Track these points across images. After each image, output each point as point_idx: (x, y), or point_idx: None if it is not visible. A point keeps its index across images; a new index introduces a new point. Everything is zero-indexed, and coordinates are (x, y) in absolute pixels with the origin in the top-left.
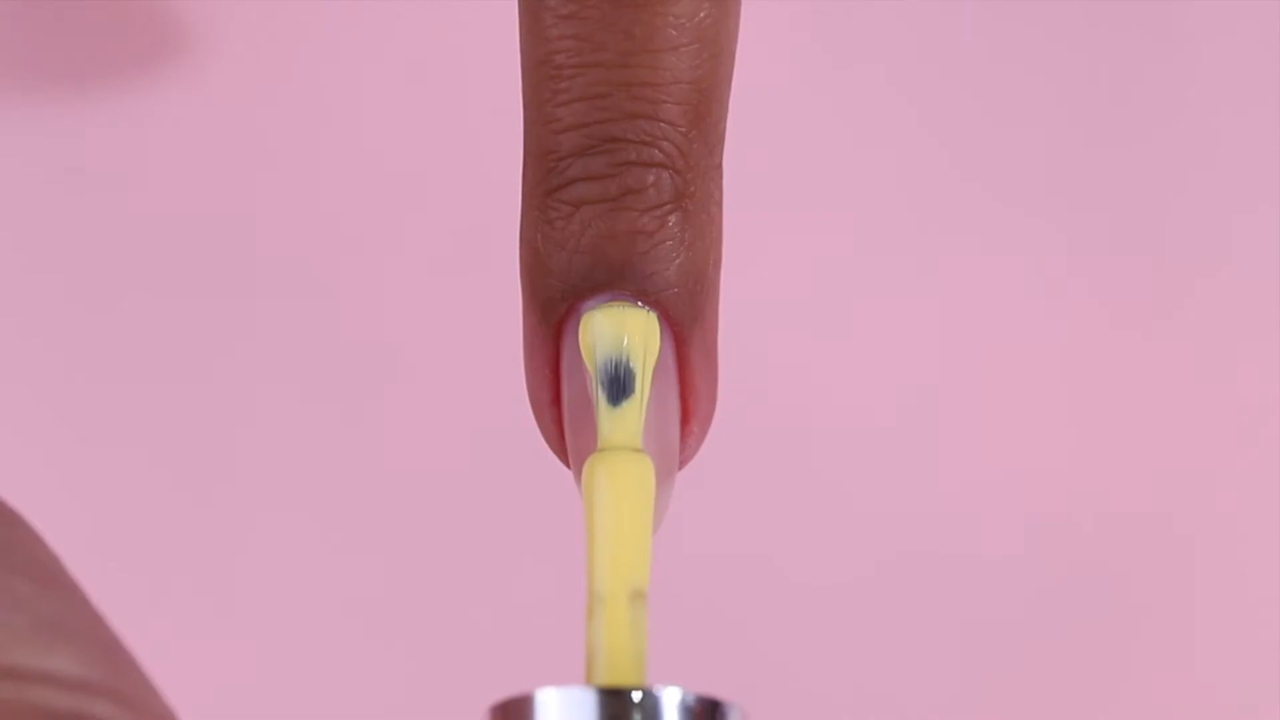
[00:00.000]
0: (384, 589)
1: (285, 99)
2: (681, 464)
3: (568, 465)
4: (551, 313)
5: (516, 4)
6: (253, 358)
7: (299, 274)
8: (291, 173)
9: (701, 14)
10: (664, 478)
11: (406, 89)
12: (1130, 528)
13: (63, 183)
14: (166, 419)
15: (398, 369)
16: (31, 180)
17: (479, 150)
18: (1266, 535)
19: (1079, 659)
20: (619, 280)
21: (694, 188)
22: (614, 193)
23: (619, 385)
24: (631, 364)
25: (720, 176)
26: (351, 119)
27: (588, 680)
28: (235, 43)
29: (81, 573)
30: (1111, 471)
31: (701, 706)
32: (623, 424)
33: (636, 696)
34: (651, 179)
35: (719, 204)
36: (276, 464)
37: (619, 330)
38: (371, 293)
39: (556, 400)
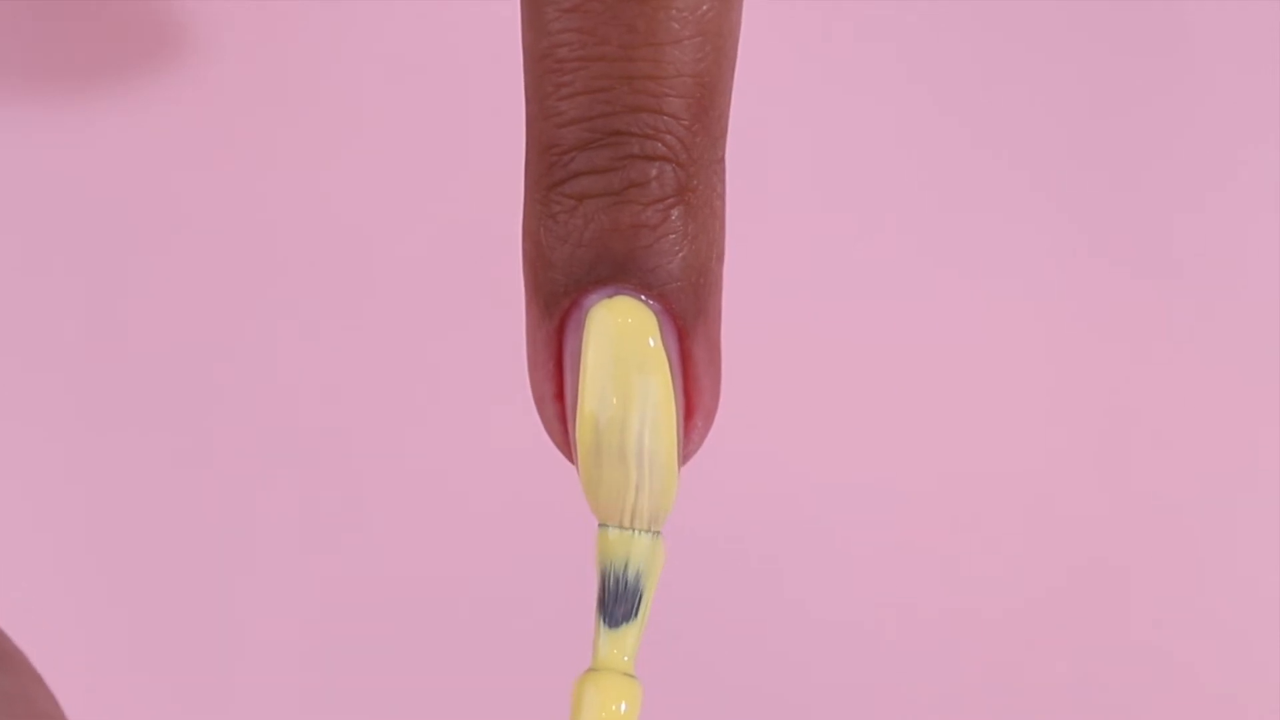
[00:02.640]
0: (384, 585)
1: (286, 100)
2: (685, 458)
3: (571, 460)
4: (555, 307)
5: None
6: (255, 357)
7: (298, 274)
8: (292, 172)
9: (704, 7)
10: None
11: (407, 87)
12: (1136, 520)
13: (65, 183)
14: (166, 414)
15: (397, 368)
16: (33, 180)
17: (481, 146)
18: (1266, 533)
19: (1077, 659)
20: (622, 274)
21: (697, 181)
22: (617, 186)
23: (621, 605)
24: (638, 583)
25: (723, 170)
26: (352, 118)
27: None
28: (236, 44)
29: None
30: (1116, 467)
31: None
32: (619, 647)
33: None
34: (655, 172)
35: (721, 197)
36: (276, 463)
37: (625, 547)
38: (372, 291)
39: (560, 395)
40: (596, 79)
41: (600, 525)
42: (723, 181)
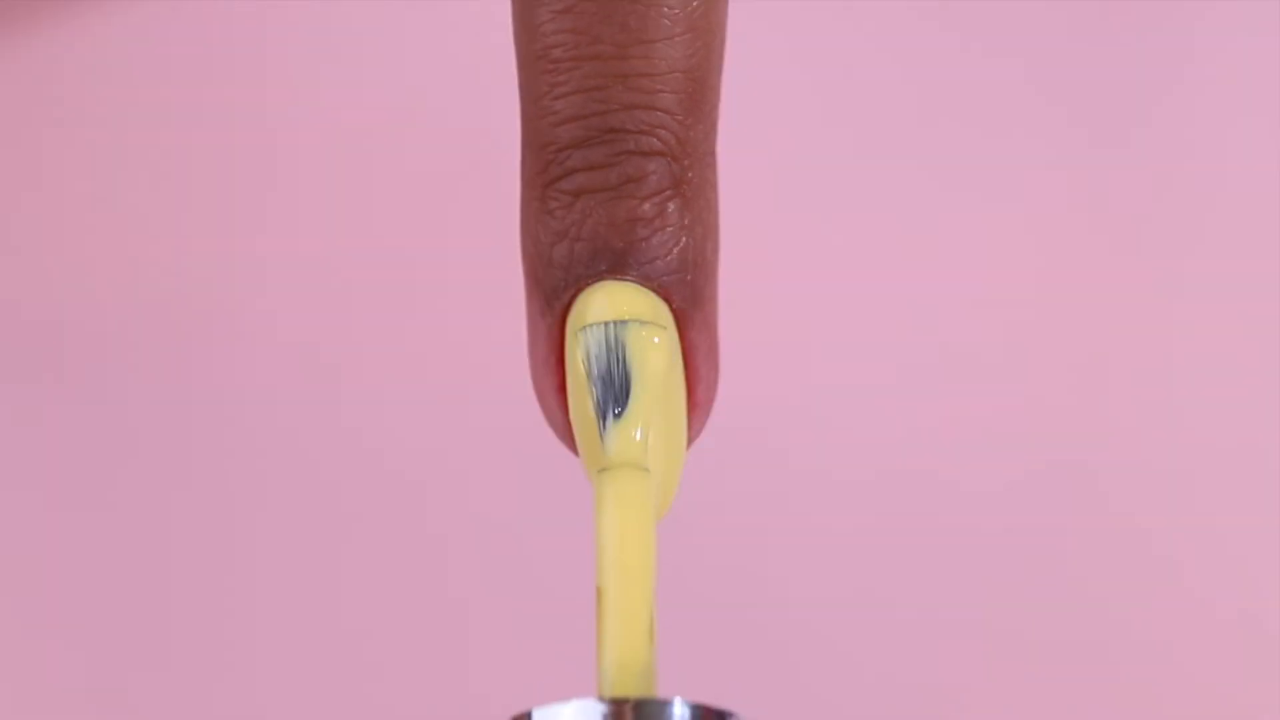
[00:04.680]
0: (381, 579)
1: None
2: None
3: (574, 452)
4: (555, 302)
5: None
6: (251, 351)
7: (299, 277)
8: (284, 170)
9: (694, 3)
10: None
11: (403, 88)
12: (1136, 471)
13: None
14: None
15: (396, 367)
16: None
17: (480, 145)
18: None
19: (1079, 618)
20: (621, 267)
21: (692, 173)
22: (614, 182)
23: (613, 391)
24: (627, 365)
25: (715, 161)
26: (338, 122)
27: (599, 694)
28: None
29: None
30: (1118, 416)
31: (706, 716)
32: (623, 437)
33: (642, 707)
34: (651, 167)
35: (715, 188)
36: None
37: (614, 312)
38: (370, 291)
39: (561, 388)
40: (590, 77)
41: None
42: (715, 172)
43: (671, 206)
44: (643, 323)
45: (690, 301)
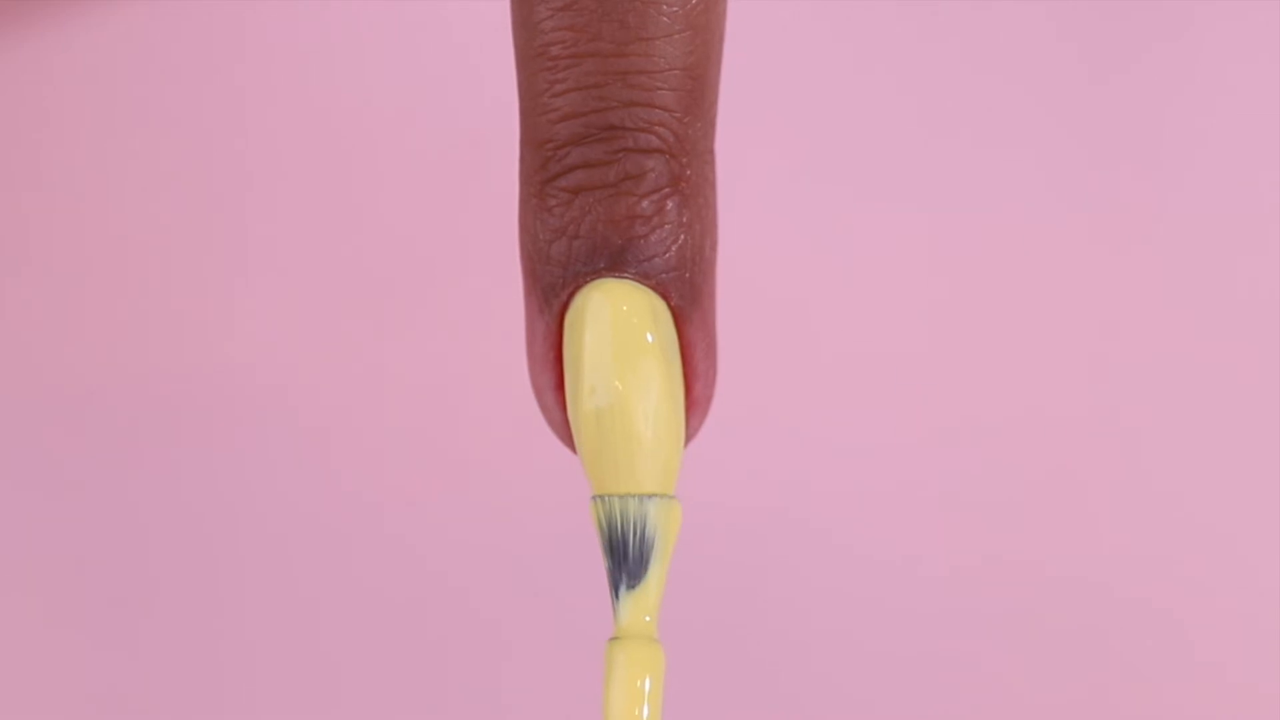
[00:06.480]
0: (382, 577)
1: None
2: (685, 443)
3: (571, 449)
4: (553, 299)
5: None
6: (250, 350)
7: (296, 275)
8: (280, 169)
9: (693, 1)
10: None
11: (402, 87)
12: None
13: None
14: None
15: (396, 366)
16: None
17: (477, 144)
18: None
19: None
20: (619, 264)
21: (690, 171)
22: (613, 179)
23: (628, 565)
24: (652, 541)
25: (713, 159)
26: (338, 122)
27: None
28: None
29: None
30: (1117, 417)
31: None
32: (638, 611)
33: None
34: (649, 164)
35: (713, 186)
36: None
37: (638, 508)
38: (371, 290)
39: (559, 385)
40: (589, 75)
41: (606, 497)
42: (714, 170)
43: (670, 204)
44: (665, 497)
45: (688, 299)
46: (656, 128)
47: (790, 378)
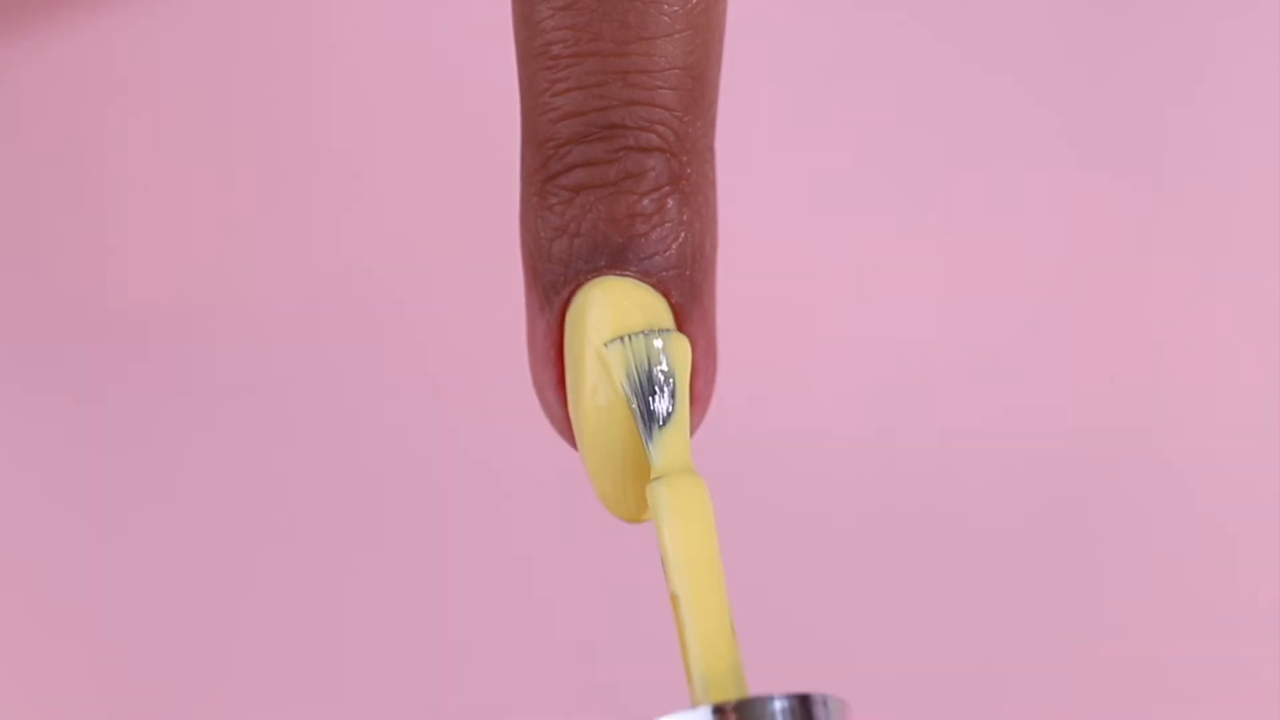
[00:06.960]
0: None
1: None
2: None
3: (572, 445)
4: (554, 297)
5: None
6: (254, 345)
7: (295, 278)
8: (276, 168)
9: (693, 1)
10: None
11: (402, 86)
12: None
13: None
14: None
15: (395, 365)
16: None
17: (476, 143)
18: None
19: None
20: (620, 262)
21: (690, 169)
22: (613, 177)
23: (659, 399)
24: (667, 372)
25: (714, 158)
26: (338, 121)
27: (693, 703)
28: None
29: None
30: (1117, 417)
31: (799, 704)
32: (677, 445)
33: (744, 708)
34: (650, 163)
35: (713, 184)
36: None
37: (646, 347)
38: (369, 289)
39: (560, 382)
40: (590, 74)
41: (627, 336)
42: (714, 168)
43: (670, 202)
44: (669, 330)
45: (689, 296)
46: (657, 126)
47: (790, 376)
